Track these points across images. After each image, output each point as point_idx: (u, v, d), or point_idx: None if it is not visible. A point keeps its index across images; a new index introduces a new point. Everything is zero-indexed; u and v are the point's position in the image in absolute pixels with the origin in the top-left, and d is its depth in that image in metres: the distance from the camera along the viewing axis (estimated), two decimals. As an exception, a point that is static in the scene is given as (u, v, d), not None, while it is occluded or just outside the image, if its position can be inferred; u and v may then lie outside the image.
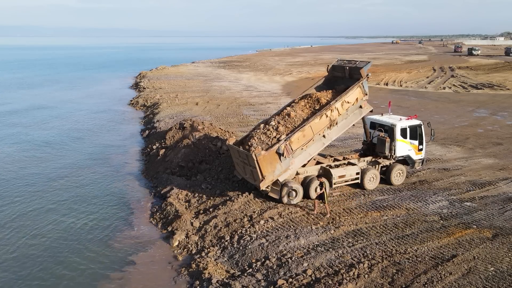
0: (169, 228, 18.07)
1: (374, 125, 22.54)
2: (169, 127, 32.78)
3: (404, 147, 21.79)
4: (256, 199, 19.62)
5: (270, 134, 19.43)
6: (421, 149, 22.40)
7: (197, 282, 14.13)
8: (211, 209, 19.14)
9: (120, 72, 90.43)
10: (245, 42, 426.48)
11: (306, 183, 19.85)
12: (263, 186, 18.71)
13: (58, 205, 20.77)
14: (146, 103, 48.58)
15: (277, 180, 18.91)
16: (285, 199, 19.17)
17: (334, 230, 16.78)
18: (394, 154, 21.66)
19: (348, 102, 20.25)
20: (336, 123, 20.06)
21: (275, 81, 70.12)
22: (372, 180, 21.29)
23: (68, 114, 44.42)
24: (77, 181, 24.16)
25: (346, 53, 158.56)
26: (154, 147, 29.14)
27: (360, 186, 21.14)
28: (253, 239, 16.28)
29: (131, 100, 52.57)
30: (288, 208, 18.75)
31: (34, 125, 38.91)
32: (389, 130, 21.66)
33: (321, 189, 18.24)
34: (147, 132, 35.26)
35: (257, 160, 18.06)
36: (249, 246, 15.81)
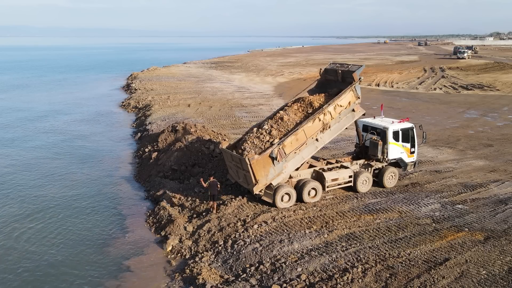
0: (163, 233, 18.00)
1: (366, 128, 22.64)
2: (161, 129, 32.67)
3: (396, 150, 21.92)
4: (250, 203, 19.61)
5: (263, 138, 19.44)
6: (413, 152, 22.54)
7: (191, 288, 14.10)
8: (204, 213, 19.11)
9: (111, 73, 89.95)
10: (237, 42, 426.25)
11: (299, 187, 19.87)
12: (256, 190, 18.72)
13: (49, 210, 20.57)
14: (137, 105, 48.34)
15: (271, 184, 18.93)
16: (278, 203, 19.16)
17: (327, 234, 16.81)
18: (387, 157, 21.79)
19: (341, 106, 20.33)
20: (329, 127, 20.13)
21: (267, 82, 70.19)
22: (364, 183, 21.39)
23: (57, 117, 44.04)
24: (68, 186, 23.96)
25: (338, 53, 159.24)
26: (147, 150, 29.02)
27: (353, 189, 21.23)
28: (247, 243, 16.27)
29: (122, 102, 52.30)
30: (281, 212, 18.77)
31: (22, 129, 38.52)
32: (382, 133, 21.77)
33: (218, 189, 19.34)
34: (139, 134, 35.11)
35: (250, 164, 18.06)
36: (243, 251, 15.80)
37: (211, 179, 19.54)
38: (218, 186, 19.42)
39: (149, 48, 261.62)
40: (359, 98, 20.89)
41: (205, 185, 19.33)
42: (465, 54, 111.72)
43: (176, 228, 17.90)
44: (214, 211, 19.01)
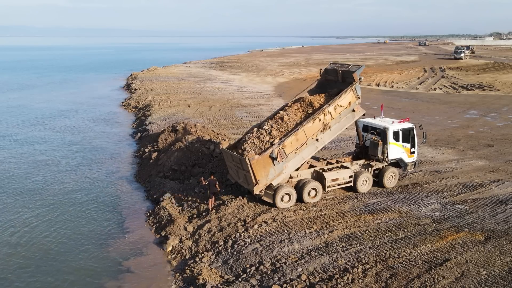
0: (163, 233, 18.00)
1: (366, 128, 22.63)
2: (161, 129, 32.67)
3: (396, 150, 21.92)
4: (250, 203, 19.61)
5: (263, 138, 19.44)
6: (413, 152, 22.53)
7: (191, 288, 14.10)
8: (204, 213, 19.11)
9: (111, 73, 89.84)
10: (237, 42, 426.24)
11: (299, 187, 19.86)
12: (256, 190, 18.72)
13: (49, 211, 20.54)
14: (138, 105, 48.34)
15: (271, 184, 18.93)
16: (278, 203, 19.15)
17: (327, 234, 16.81)
18: (387, 157, 21.78)
19: (341, 106, 20.33)
20: (329, 127, 20.13)
21: (267, 82, 70.19)
22: (365, 183, 21.38)
23: (56, 117, 44.01)
24: (68, 186, 23.94)
25: (338, 53, 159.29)
26: (147, 150, 29.02)
27: (353, 189, 21.22)
28: (247, 244, 16.26)
29: (122, 102, 52.31)
30: (281, 212, 18.77)
31: (23, 130, 38.49)
32: (382, 133, 21.77)
33: (217, 188, 19.59)
34: (139, 134, 35.09)
35: (250, 165, 18.06)
36: (243, 251, 15.80)
37: (212, 177, 19.71)
38: (217, 185, 19.53)
39: (149, 48, 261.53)
40: (359, 98, 20.89)
41: (204, 182, 19.52)
42: (462, 54, 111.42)
43: (176, 228, 17.90)
44: (210, 208, 19.23)
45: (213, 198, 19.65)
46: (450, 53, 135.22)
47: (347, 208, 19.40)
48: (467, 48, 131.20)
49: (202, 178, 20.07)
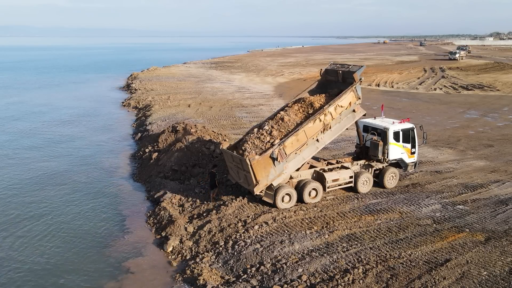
0: (163, 234, 17.99)
1: (367, 128, 22.62)
2: (161, 130, 32.65)
3: (397, 150, 21.90)
4: (250, 203, 19.60)
5: (263, 139, 19.43)
6: (414, 152, 22.52)
7: (192, 289, 14.09)
8: (204, 214, 19.10)
9: (111, 73, 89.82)
10: (237, 42, 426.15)
11: (300, 187, 19.85)
12: (257, 190, 18.70)
13: (49, 212, 20.51)
14: (138, 105, 48.33)
15: (271, 184, 18.92)
16: (279, 204, 19.14)
17: (328, 235, 16.80)
18: (387, 157, 21.77)
19: (342, 106, 20.32)
20: (330, 127, 20.12)
21: (267, 82, 70.17)
22: (365, 184, 21.37)
23: (58, 117, 43.98)
24: (67, 186, 23.92)
25: (338, 53, 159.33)
26: (147, 150, 29.00)
27: (353, 189, 21.21)
28: (248, 244, 16.26)
29: (122, 102, 52.30)
30: (282, 213, 18.75)
31: (23, 130, 38.43)
32: (382, 133, 21.75)
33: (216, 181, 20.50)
34: (139, 135, 35.06)
35: (251, 165, 18.05)
36: (244, 252, 15.79)
37: (213, 170, 20.63)
38: (216, 179, 20.19)
39: (149, 48, 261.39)
40: (359, 98, 20.88)
41: (206, 178, 20.37)
42: (457, 55, 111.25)
43: (177, 229, 17.89)
44: (211, 199, 19.99)
45: (214, 191, 20.10)
46: (448, 53, 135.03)
47: (348, 209, 19.39)
48: (462, 48, 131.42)
49: (200, 179, 20.45)
